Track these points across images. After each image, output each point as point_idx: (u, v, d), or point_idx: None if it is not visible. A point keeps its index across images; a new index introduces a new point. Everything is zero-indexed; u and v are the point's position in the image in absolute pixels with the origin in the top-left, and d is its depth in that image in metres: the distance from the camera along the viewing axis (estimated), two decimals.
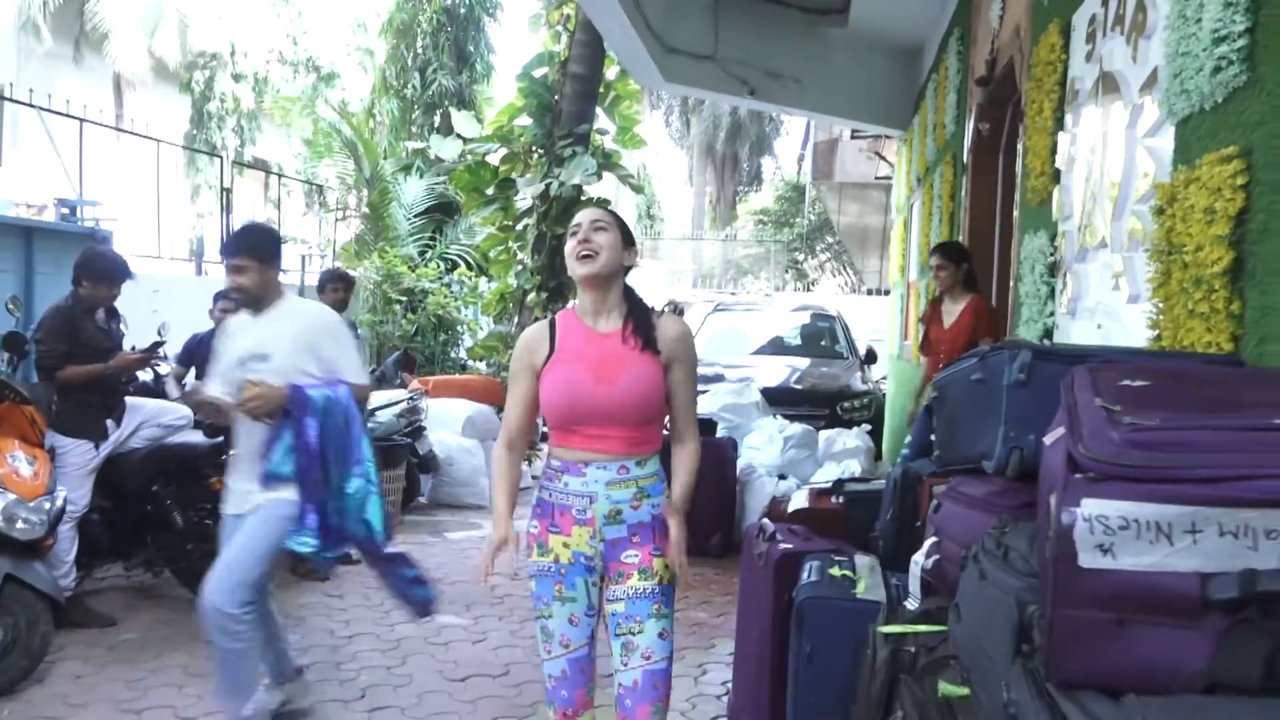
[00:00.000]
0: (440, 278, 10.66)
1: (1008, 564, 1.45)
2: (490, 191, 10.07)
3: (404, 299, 10.31)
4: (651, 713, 2.30)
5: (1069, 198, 3.33)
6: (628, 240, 2.47)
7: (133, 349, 4.73)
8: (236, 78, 19.87)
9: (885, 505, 3.54)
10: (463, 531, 6.65)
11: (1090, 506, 0.97)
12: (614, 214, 2.54)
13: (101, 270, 4.46)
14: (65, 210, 7.68)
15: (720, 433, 6.54)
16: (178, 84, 18.94)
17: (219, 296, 5.81)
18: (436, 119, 12.95)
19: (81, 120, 8.03)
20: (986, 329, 4.84)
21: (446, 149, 11.02)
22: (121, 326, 4.77)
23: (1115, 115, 2.85)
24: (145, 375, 5.86)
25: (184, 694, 3.74)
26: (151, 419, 4.78)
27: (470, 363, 10.65)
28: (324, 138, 12.49)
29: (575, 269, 2.39)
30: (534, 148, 9.69)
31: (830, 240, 27.08)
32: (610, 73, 9.87)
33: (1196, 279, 2.12)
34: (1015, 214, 4.34)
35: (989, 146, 5.33)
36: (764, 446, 6.48)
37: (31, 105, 8.02)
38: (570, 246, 2.40)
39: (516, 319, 9.75)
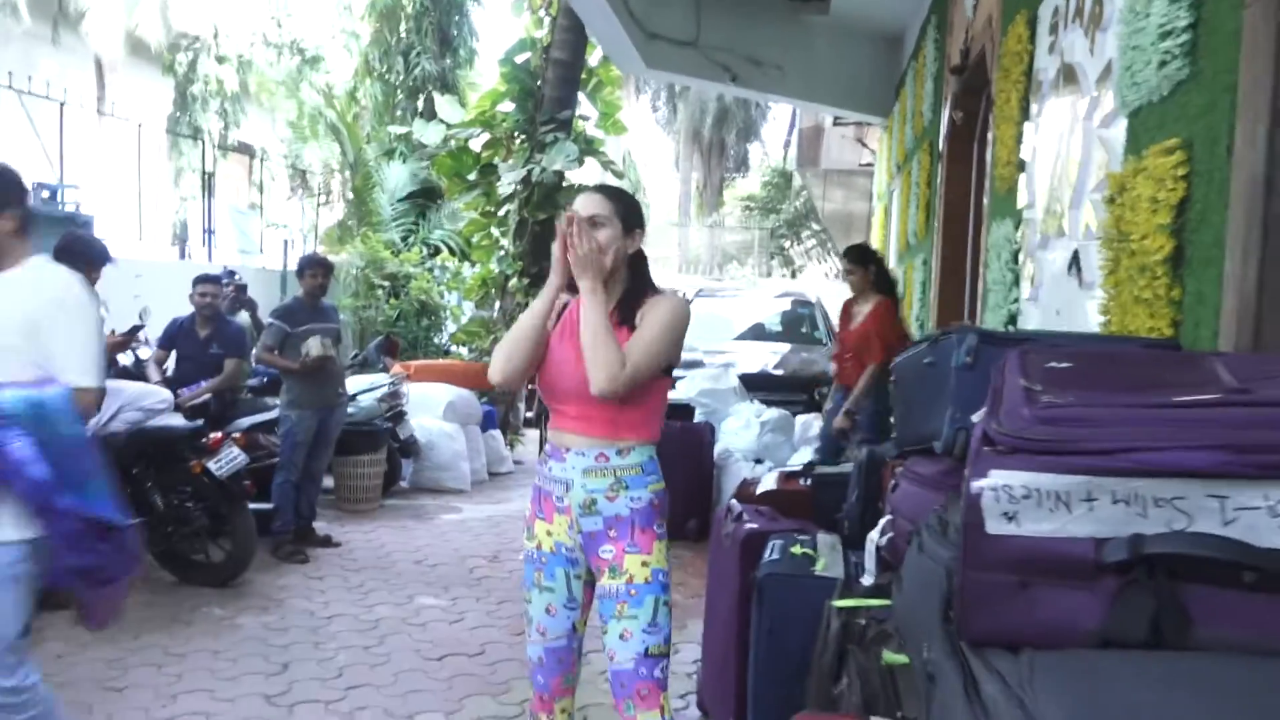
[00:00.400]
0: (423, 263, 10.69)
1: (945, 538, 1.52)
2: (473, 177, 10.09)
3: (387, 284, 10.35)
4: (623, 708, 2.31)
5: (1032, 186, 3.40)
6: (631, 223, 2.37)
7: (112, 333, 4.76)
8: (220, 60, 19.74)
9: (852, 487, 3.61)
10: (443, 515, 6.71)
11: (997, 477, 1.04)
12: (615, 195, 2.42)
13: (80, 255, 4.49)
14: (46, 194, 7.68)
15: (698, 418, 6.62)
16: (160, 66, 18.81)
17: (198, 280, 5.85)
18: (420, 104, 12.94)
19: (62, 103, 8.02)
20: (890, 331, 5.10)
21: (429, 134, 11.02)
22: (102, 311, 4.79)
23: (1074, 106, 2.92)
24: (126, 359, 5.90)
25: (164, 673, 3.80)
26: (132, 403, 4.81)
27: (453, 348, 10.69)
28: (309, 121, 12.48)
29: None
30: (516, 133, 9.71)
31: (816, 227, 27.15)
32: (593, 59, 9.89)
33: (1141, 266, 2.20)
34: (985, 201, 4.42)
35: (964, 135, 5.39)
36: (741, 431, 6.55)
37: (11, 88, 8.00)
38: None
39: (499, 304, 9.79)
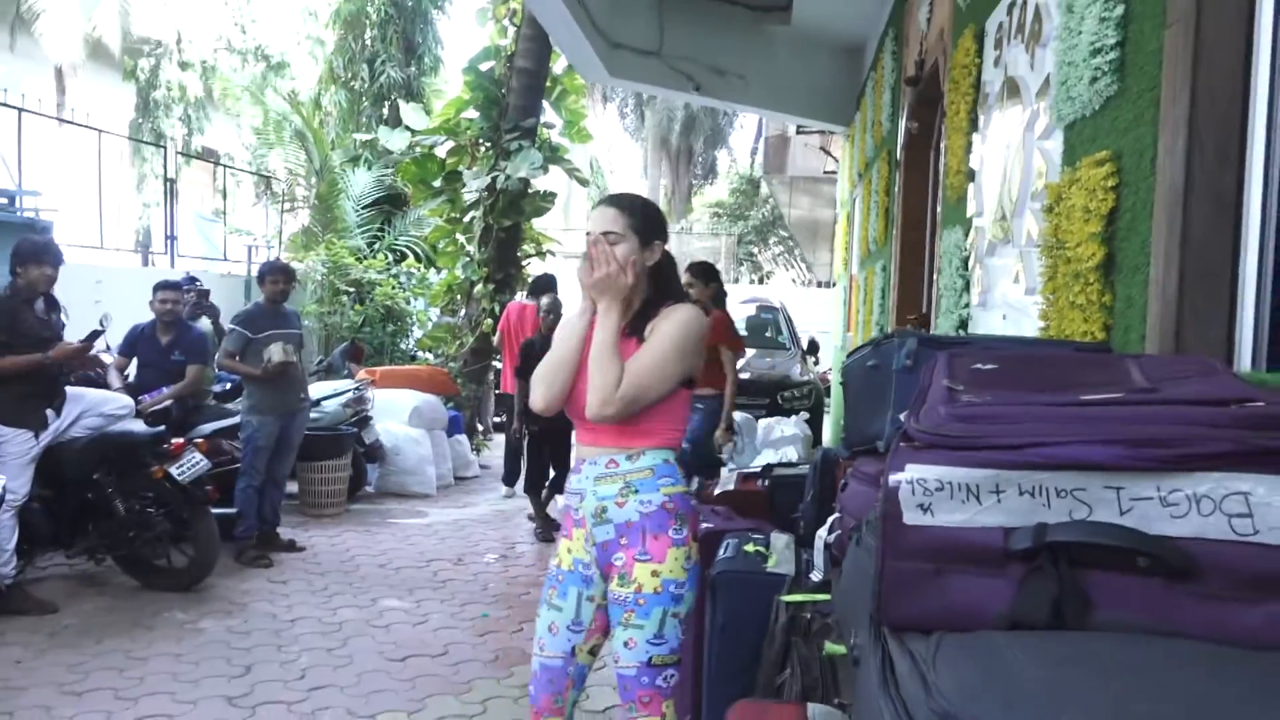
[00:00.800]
0: (388, 269, 10.68)
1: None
2: (438, 184, 10.12)
3: (352, 290, 10.32)
4: (626, 710, 2.33)
5: (980, 195, 3.50)
6: (650, 233, 2.33)
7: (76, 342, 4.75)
8: (183, 66, 19.60)
9: (808, 487, 3.69)
10: (408, 519, 6.73)
11: (912, 470, 1.11)
12: (629, 207, 2.34)
13: (29, 254, 4.48)
14: (3, 200, 7.60)
15: None
16: (122, 71, 18.64)
17: (159, 287, 5.84)
18: (385, 110, 12.92)
19: (20, 110, 7.95)
20: (726, 339, 5.70)
21: (395, 140, 11.02)
22: (62, 317, 4.79)
23: (1017, 118, 3.02)
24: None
25: (125, 677, 3.80)
26: (93, 408, 4.81)
27: (419, 353, 10.68)
28: (274, 128, 12.41)
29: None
30: (481, 140, 9.74)
31: (783, 234, 27.34)
32: (557, 67, 9.96)
33: (1076, 273, 2.29)
34: (938, 209, 4.53)
35: (920, 144, 5.51)
36: None
37: None
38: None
39: (464, 310, 9.82)
